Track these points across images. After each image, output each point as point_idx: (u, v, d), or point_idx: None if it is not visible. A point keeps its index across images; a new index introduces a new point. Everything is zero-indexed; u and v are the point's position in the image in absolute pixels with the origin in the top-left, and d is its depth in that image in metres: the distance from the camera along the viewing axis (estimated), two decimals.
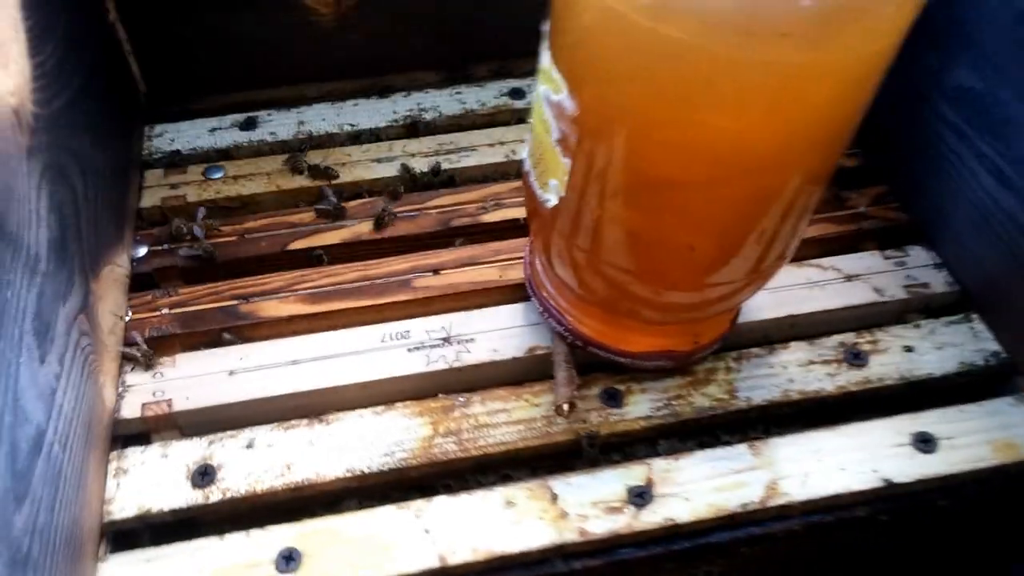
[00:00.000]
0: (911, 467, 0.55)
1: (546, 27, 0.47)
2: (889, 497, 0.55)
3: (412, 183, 0.71)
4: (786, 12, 0.36)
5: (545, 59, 0.46)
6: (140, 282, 0.66)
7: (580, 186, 0.48)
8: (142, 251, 0.67)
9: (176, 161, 0.74)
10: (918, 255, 0.65)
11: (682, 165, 0.44)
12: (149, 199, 0.71)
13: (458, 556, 0.52)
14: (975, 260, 0.60)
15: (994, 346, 0.60)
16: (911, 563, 0.61)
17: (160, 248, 0.67)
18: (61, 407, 0.50)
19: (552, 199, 0.50)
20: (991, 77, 0.54)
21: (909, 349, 0.60)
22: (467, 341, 0.61)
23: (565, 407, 0.56)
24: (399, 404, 0.58)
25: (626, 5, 0.39)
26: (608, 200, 0.47)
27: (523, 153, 0.54)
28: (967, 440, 0.55)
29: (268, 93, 0.79)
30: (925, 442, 0.55)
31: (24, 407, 0.45)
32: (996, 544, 0.61)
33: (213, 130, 0.76)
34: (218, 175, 0.72)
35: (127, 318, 0.63)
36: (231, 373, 0.60)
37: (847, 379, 0.59)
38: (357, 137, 0.75)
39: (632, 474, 0.55)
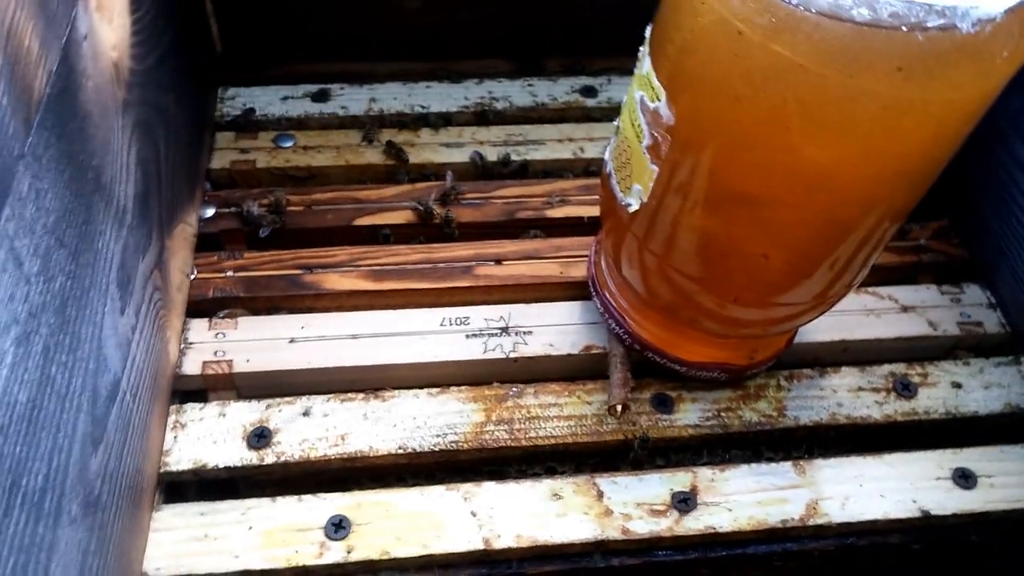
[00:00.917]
0: (949, 501, 0.56)
1: (649, 31, 0.48)
2: (924, 527, 0.56)
3: (481, 171, 0.72)
4: (904, 46, 0.37)
5: (646, 65, 0.47)
6: (206, 242, 0.67)
7: (664, 193, 0.49)
8: (210, 212, 0.68)
9: (247, 126, 0.75)
10: (974, 293, 0.66)
11: (772, 185, 0.45)
12: (219, 161, 0.72)
13: (502, 541, 0.53)
14: None
15: None
16: None
17: (227, 210, 0.69)
18: (135, 358, 0.51)
19: (634, 203, 0.51)
20: None
21: (957, 385, 0.61)
22: (525, 333, 0.62)
23: (619, 408, 0.57)
24: (453, 388, 0.59)
25: (742, 20, 0.39)
26: (690, 208, 0.48)
27: (605, 155, 0.55)
28: (1006, 480, 0.56)
29: (340, 66, 0.80)
30: (965, 478, 0.56)
31: (105, 355, 0.46)
32: None
33: (285, 98, 0.77)
34: (288, 144, 0.73)
35: (192, 276, 0.64)
36: (292, 340, 0.61)
37: (894, 409, 0.59)
38: (427, 119, 0.76)
39: (678, 479, 0.56)
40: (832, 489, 0.56)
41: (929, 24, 0.36)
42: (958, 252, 0.68)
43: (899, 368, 0.61)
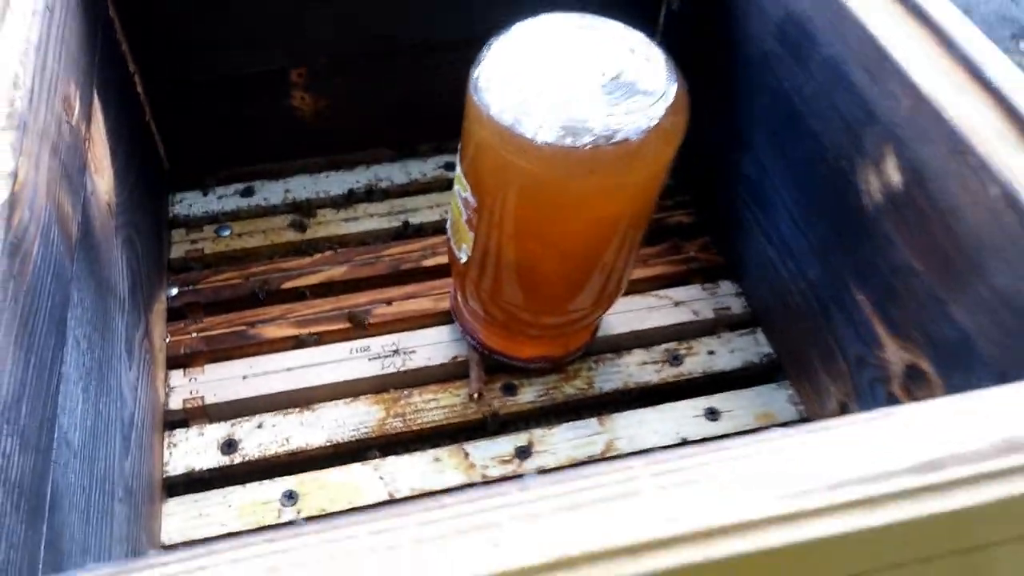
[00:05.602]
0: (701, 429, 0.82)
1: (460, 145, 0.74)
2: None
3: (375, 237, 0.98)
4: (592, 159, 0.63)
5: (458, 168, 0.73)
6: (173, 313, 0.92)
7: (480, 249, 0.75)
8: (174, 291, 0.93)
9: (194, 222, 0.99)
10: (726, 287, 0.93)
11: (548, 241, 0.71)
12: (176, 252, 0.97)
13: (401, 493, 0.78)
14: (759, 294, 0.89)
15: (768, 350, 0.88)
16: None
17: (187, 288, 0.93)
18: (140, 399, 0.76)
19: (463, 257, 0.77)
20: (761, 171, 0.82)
21: (712, 353, 0.88)
22: (410, 353, 0.88)
23: (476, 396, 0.83)
24: (362, 396, 0.85)
25: (498, 146, 0.66)
26: (497, 258, 0.74)
27: (447, 224, 0.81)
28: (740, 412, 0.84)
29: (260, 167, 1.05)
30: (712, 414, 0.83)
31: (125, 397, 0.71)
32: None
33: (220, 197, 1.02)
34: (226, 233, 0.98)
35: (168, 340, 0.89)
36: (244, 378, 0.86)
37: (668, 374, 0.86)
38: (330, 202, 1.01)
39: (519, 439, 0.82)
40: (622, 432, 0.82)
41: (600, 142, 0.63)
42: (717, 259, 0.96)
43: (672, 345, 0.89)
